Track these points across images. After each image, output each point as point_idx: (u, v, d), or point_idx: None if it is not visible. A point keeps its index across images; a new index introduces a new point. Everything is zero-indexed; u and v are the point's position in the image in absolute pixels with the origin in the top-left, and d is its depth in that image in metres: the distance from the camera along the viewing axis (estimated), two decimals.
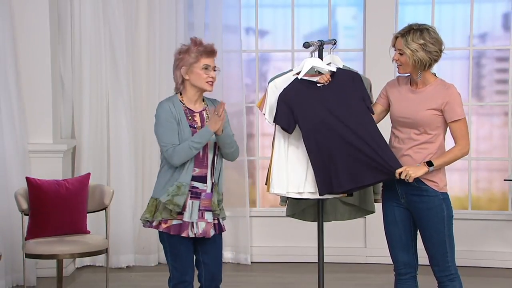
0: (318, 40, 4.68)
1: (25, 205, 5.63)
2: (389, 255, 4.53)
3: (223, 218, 4.55)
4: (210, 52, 4.42)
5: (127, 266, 6.96)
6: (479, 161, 7.14)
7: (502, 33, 7.07)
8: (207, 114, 4.48)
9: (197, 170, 4.41)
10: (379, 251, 6.78)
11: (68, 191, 5.71)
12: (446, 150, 4.38)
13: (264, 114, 4.63)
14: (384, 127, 4.50)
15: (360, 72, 4.80)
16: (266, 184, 4.62)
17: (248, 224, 7.11)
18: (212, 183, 4.45)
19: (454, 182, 6.88)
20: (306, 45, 4.59)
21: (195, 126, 4.42)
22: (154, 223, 4.44)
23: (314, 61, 4.53)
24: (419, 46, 4.29)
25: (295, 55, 7.15)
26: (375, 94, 4.67)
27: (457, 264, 4.44)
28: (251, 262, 7.13)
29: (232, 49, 7.04)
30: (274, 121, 4.54)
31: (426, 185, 4.34)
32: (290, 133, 4.51)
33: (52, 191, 5.66)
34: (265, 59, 7.37)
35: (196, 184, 4.41)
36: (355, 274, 6.78)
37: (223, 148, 4.45)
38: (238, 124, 6.96)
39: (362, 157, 4.36)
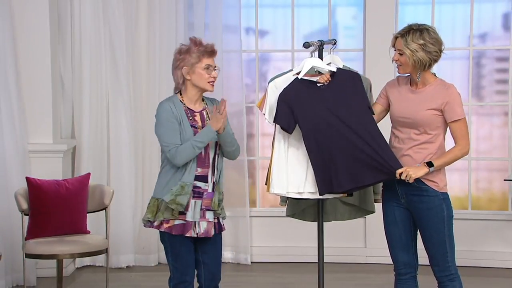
0: (318, 40, 4.67)
1: (25, 205, 5.63)
2: (389, 255, 4.53)
3: (223, 218, 4.55)
4: (211, 52, 4.42)
5: (127, 266, 6.96)
6: (479, 161, 7.14)
7: (502, 33, 7.06)
8: (207, 113, 4.48)
9: (199, 169, 4.40)
10: (379, 251, 6.77)
11: (68, 191, 5.71)
12: (446, 150, 4.38)
13: (264, 114, 4.63)
14: (384, 127, 4.49)
15: (360, 72, 4.80)
16: (266, 184, 4.61)
17: (248, 224, 7.11)
18: (213, 182, 4.45)
19: (454, 182, 6.87)
20: (306, 45, 4.59)
21: (196, 126, 4.42)
22: (155, 223, 4.43)
23: (314, 61, 4.53)
24: (419, 46, 4.28)
25: (295, 55, 7.14)
26: (375, 94, 4.66)
27: (457, 264, 4.44)
28: (251, 262, 7.13)
29: (232, 49, 7.04)
30: (274, 121, 4.54)
31: (426, 185, 4.34)
32: (290, 133, 4.51)
33: (52, 191, 5.66)
34: (265, 59, 7.37)
35: (198, 183, 4.41)
36: (355, 274, 6.77)
37: (225, 146, 4.45)
38: (238, 124, 6.95)
39: (362, 157, 4.36)
